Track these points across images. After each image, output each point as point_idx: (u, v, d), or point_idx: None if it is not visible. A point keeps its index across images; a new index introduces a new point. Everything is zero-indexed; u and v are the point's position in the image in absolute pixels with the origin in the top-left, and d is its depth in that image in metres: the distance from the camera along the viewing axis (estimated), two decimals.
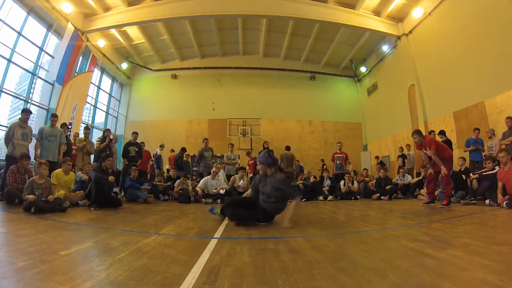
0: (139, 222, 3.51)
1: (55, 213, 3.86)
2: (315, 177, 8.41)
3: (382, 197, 7.19)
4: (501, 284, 1.24)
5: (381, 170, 7.89)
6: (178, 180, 7.14)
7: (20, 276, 1.39)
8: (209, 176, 6.80)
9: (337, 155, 8.68)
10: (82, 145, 6.76)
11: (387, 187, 7.42)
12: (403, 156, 9.33)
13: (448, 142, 6.99)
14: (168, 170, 9.36)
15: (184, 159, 8.93)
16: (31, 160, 5.51)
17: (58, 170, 5.17)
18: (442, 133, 7.38)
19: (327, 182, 7.92)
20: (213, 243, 2.22)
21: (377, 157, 11.02)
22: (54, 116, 6.14)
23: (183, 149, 8.98)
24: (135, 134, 7.67)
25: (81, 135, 7.73)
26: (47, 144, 5.70)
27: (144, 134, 12.52)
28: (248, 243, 2.35)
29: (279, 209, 3.25)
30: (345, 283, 1.34)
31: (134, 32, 11.87)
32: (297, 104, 14.11)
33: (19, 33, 8.22)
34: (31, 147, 5.91)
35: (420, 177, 7.34)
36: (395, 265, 1.58)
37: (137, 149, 7.41)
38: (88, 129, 7.37)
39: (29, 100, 8.82)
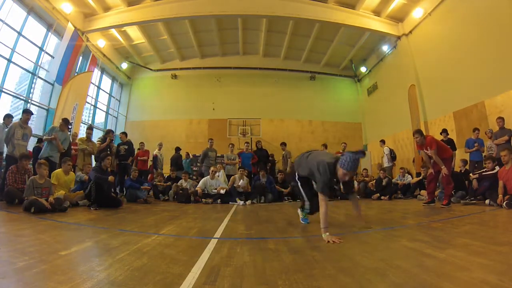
0: (139, 222, 3.51)
1: (55, 213, 3.87)
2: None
3: (382, 197, 7.19)
4: (501, 284, 1.24)
5: (381, 171, 7.91)
6: (181, 179, 7.17)
7: (20, 276, 1.39)
8: (208, 176, 6.80)
9: (337, 154, 8.64)
10: (83, 147, 6.75)
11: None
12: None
13: (450, 141, 6.97)
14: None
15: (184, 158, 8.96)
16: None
17: (58, 170, 5.18)
18: (444, 131, 7.36)
19: None
20: (213, 243, 2.22)
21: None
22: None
23: (178, 149, 9.05)
24: (123, 133, 7.95)
25: (81, 135, 7.72)
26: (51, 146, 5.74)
27: (144, 134, 12.56)
28: (248, 243, 2.35)
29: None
30: (345, 283, 1.34)
31: (134, 32, 11.86)
32: (297, 104, 14.07)
33: (19, 33, 8.21)
34: (30, 148, 5.91)
35: (420, 177, 7.34)
36: (395, 265, 1.58)
37: (126, 147, 7.47)
38: (91, 129, 7.37)
39: (29, 100, 8.81)
